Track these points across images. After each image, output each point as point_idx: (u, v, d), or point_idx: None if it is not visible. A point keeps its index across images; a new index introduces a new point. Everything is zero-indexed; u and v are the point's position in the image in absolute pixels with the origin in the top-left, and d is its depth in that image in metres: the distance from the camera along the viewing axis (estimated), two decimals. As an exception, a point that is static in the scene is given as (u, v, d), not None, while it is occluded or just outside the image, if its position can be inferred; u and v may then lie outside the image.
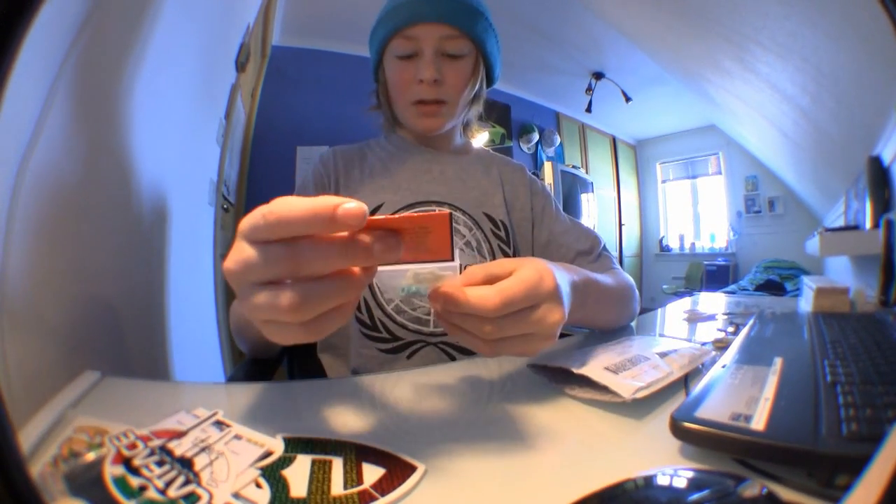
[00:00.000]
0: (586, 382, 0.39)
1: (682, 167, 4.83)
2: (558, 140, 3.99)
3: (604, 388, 0.37)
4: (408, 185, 0.71)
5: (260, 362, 0.66)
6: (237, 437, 0.31)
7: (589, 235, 0.77)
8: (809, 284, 0.90)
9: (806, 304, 0.91)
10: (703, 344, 0.58)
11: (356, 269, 0.28)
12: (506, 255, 0.72)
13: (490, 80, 0.77)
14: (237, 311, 0.55)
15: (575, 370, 0.40)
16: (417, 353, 0.65)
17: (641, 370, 0.40)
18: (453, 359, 0.66)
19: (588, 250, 0.75)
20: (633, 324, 0.77)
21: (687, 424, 0.29)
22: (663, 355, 0.45)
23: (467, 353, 0.67)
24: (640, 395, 0.36)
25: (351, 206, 0.24)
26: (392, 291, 0.32)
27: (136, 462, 0.27)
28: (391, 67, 0.70)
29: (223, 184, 1.53)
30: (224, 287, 1.25)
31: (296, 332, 0.27)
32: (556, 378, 0.42)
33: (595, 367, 0.40)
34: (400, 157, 0.76)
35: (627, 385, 0.36)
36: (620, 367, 0.40)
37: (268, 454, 0.29)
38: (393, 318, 0.65)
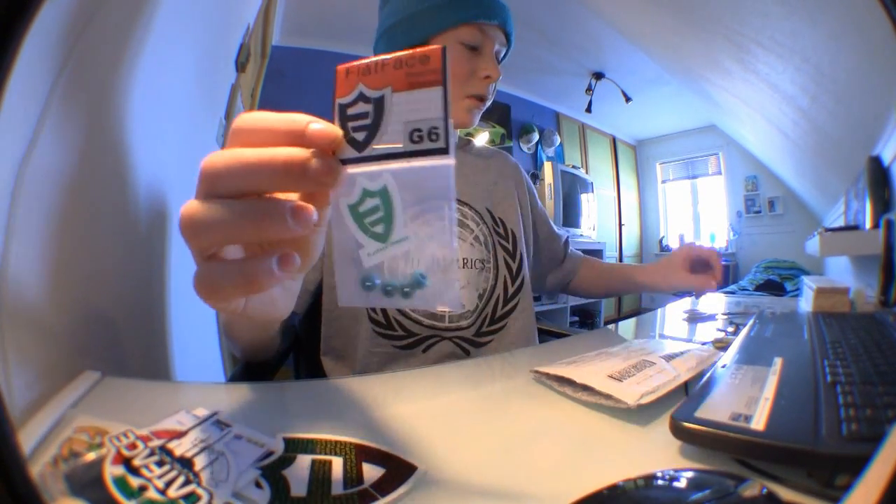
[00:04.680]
0: (591, 388, 0.39)
1: (682, 167, 4.83)
2: (558, 140, 3.99)
3: (608, 396, 0.37)
4: None
5: (258, 365, 0.65)
6: (237, 437, 0.31)
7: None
8: (809, 284, 0.90)
9: (806, 304, 0.91)
10: (704, 344, 0.58)
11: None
12: (505, 249, 0.74)
13: None
14: (227, 320, 0.52)
15: (578, 381, 0.39)
16: (433, 347, 0.67)
17: (646, 375, 0.40)
18: (467, 353, 0.67)
19: (566, 239, 0.94)
20: (633, 324, 0.77)
21: (687, 424, 0.29)
22: (669, 359, 0.45)
23: (481, 346, 0.68)
24: (645, 400, 0.35)
25: (319, 126, 0.23)
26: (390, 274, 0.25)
27: (136, 462, 0.27)
28: (452, 54, 0.68)
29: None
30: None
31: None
32: (560, 382, 0.42)
33: (599, 375, 0.40)
34: None
35: (632, 392, 0.36)
36: (625, 374, 0.40)
37: (268, 454, 0.29)
38: (407, 314, 0.66)
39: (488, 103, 0.73)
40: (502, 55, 0.73)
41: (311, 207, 0.23)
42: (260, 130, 0.24)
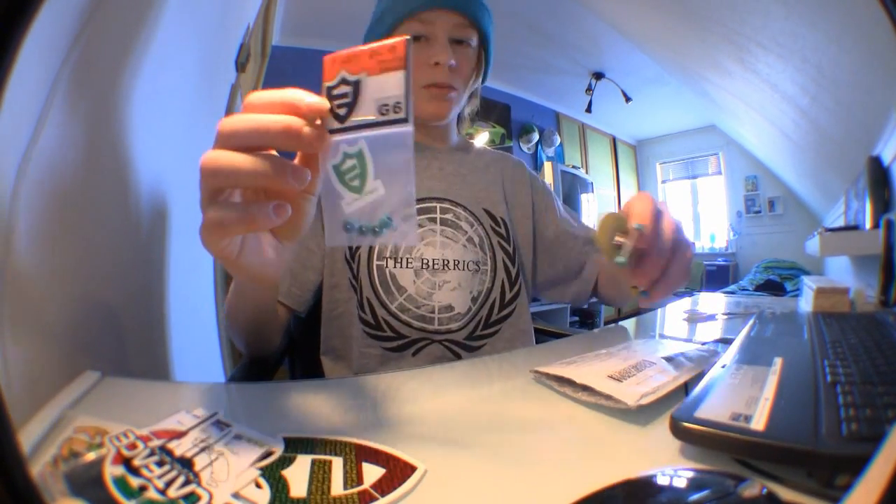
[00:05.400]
0: (591, 388, 0.39)
1: (682, 167, 4.83)
2: (558, 140, 3.99)
3: (608, 396, 0.37)
4: None
5: (259, 362, 0.66)
6: (237, 437, 0.31)
7: (583, 224, 0.84)
8: (809, 284, 0.90)
9: (806, 304, 0.91)
10: (704, 344, 0.58)
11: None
12: (506, 251, 0.72)
13: (485, 76, 0.78)
14: (231, 300, 0.55)
15: (578, 381, 0.39)
16: (422, 350, 0.65)
17: (647, 376, 0.40)
18: (458, 356, 0.66)
19: (591, 238, 0.79)
20: (633, 325, 0.77)
21: (687, 424, 0.29)
22: (669, 359, 0.45)
23: (473, 350, 0.67)
24: (645, 401, 0.35)
25: (312, 100, 0.30)
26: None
27: (136, 462, 0.27)
28: None
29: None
30: (224, 287, 1.25)
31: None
32: (560, 382, 0.42)
33: (599, 375, 0.40)
34: None
35: (632, 392, 0.36)
36: (625, 375, 0.40)
37: (268, 454, 0.29)
38: (398, 316, 0.65)
39: (459, 92, 0.71)
40: (473, 38, 0.70)
41: (306, 168, 0.30)
42: (266, 104, 0.30)
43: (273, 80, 2.29)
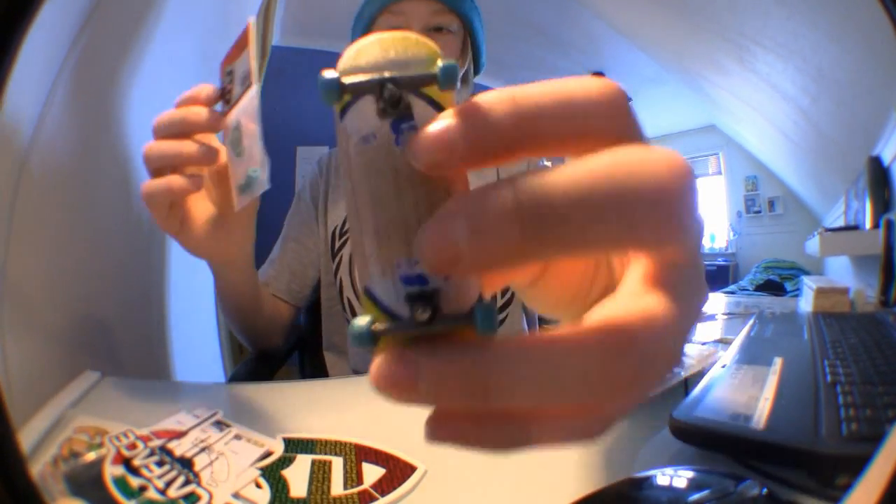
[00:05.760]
0: None
1: (682, 167, 4.82)
2: (558, 140, 3.99)
3: None
4: None
5: (262, 359, 0.66)
6: (237, 437, 0.31)
7: None
8: (809, 284, 0.90)
9: (806, 304, 0.91)
10: (704, 343, 0.58)
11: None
12: None
13: (477, 65, 0.75)
14: (215, 290, 0.56)
15: None
16: None
17: None
18: None
19: None
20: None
21: (687, 424, 0.29)
22: None
23: None
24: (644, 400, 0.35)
25: (208, 91, 0.39)
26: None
27: (136, 462, 0.27)
28: None
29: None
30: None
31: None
32: None
33: None
34: None
35: None
36: None
37: (268, 454, 0.29)
38: None
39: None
40: (453, 24, 0.67)
41: (213, 147, 0.38)
42: (182, 98, 0.39)
43: (273, 79, 2.30)
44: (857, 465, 0.19)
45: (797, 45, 1.49)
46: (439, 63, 0.11)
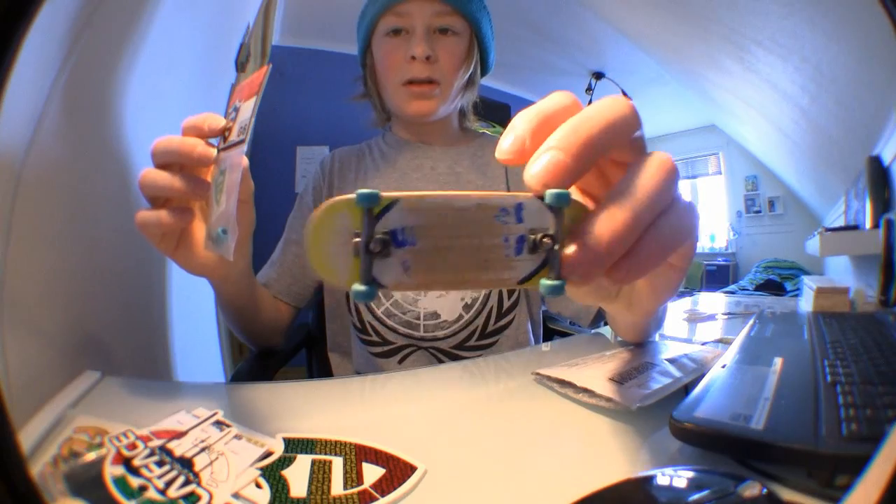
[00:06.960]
0: (591, 391, 0.39)
1: (682, 167, 4.82)
2: (558, 140, 3.98)
3: (609, 399, 0.37)
4: (396, 185, 0.67)
5: (265, 357, 0.66)
6: (237, 437, 0.31)
7: None
8: (809, 284, 0.90)
9: (806, 304, 0.91)
10: (704, 344, 0.58)
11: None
12: None
13: (485, 66, 0.73)
14: (224, 299, 0.56)
15: (579, 384, 0.39)
16: (408, 357, 0.64)
17: (648, 377, 0.40)
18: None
19: None
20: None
21: (687, 424, 0.29)
22: (672, 361, 0.45)
23: (457, 358, 0.65)
24: (645, 403, 0.35)
25: (213, 124, 0.37)
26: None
27: (136, 462, 0.27)
28: (380, 47, 0.66)
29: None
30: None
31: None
32: (562, 384, 0.42)
33: (599, 378, 0.40)
34: (391, 157, 0.72)
35: (633, 394, 0.36)
36: (626, 377, 0.40)
37: (268, 454, 0.29)
38: (383, 321, 0.64)
39: (444, 86, 0.65)
40: (458, 25, 0.65)
41: (206, 182, 0.38)
42: (185, 126, 0.38)
43: (273, 79, 2.30)
44: (857, 465, 0.19)
45: (797, 45, 1.49)
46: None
